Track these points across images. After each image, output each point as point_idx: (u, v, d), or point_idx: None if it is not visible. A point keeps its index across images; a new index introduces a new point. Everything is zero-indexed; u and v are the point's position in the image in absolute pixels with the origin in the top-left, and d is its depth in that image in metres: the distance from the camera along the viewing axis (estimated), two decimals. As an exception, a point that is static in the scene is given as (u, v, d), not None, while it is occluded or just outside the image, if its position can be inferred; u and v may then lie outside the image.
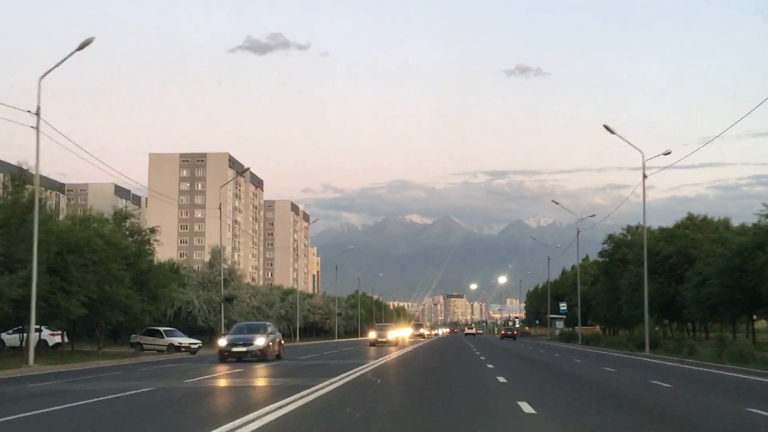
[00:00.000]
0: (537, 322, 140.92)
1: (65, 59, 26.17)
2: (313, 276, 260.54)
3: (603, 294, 66.28)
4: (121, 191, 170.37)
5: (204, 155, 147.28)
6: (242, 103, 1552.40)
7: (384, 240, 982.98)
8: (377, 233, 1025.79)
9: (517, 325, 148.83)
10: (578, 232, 52.61)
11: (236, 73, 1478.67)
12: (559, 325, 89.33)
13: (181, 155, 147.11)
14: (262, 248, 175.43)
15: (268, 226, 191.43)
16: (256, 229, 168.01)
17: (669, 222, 73.81)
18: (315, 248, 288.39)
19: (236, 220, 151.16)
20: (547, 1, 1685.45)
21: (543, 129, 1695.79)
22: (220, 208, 51.36)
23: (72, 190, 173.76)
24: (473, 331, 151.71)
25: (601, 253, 67.94)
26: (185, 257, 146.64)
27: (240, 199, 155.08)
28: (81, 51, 26.10)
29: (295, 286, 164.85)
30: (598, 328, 75.90)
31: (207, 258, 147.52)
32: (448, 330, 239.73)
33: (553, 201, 57.10)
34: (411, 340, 58.47)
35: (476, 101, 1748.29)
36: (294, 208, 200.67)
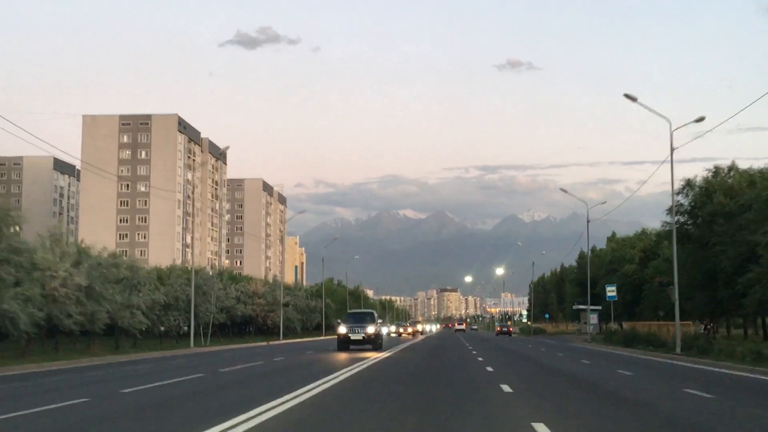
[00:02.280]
0: (547, 316, 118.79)
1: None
2: (296, 267, 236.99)
3: (682, 271, 42.18)
4: (61, 166, 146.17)
5: (148, 117, 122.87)
6: (232, 98, 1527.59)
7: (378, 235, 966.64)
8: (371, 228, 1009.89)
9: (525, 321, 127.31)
10: (673, 149, 29.33)
11: (226, 68, 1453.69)
12: (592, 319, 65.95)
13: (121, 117, 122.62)
14: (224, 231, 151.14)
15: (237, 208, 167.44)
16: (217, 208, 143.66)
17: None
18: (297, 237, 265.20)
19: (189, 196, 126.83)
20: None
21: (535, 124, 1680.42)
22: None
23: (4, 164, 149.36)
24: (463, 326, 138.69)
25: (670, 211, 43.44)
26: (126, 239, 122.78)
27: (194, 171, 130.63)
28: None
29: (266, 277, 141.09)
30: (691, 324, 51.24)
31: (150, 240, 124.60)
32: (441, 326, 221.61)
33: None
34: (345, 357, 25.96)
35: (468, 96, 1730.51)
36: (267, 188, 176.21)
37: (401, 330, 78.74)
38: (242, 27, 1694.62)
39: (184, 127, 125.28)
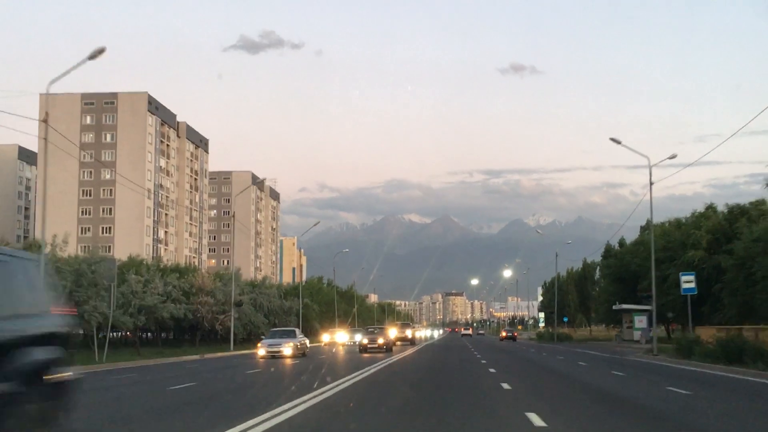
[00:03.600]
0: (566, 319, 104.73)
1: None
2: (293, 269, 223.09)
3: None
4: (27, 155, 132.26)
5: (114, 95, 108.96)
6: (235, 102, 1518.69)
7: (383, 239, 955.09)
8: (376, 232, 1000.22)
9: (541, 325, 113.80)
10: None
11: (229, 73, 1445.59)
12: (641, 322, 51.79)
13: (84, 96, 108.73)
14: (207, 227, 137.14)
15: (224, 203, 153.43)
16: (197, 201, 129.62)
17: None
18: (295, 237, 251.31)
19: (161, 185, 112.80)
20: (541, 0, 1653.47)
21: (538, 127, 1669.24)
22: None
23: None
24: (469, 331, 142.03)
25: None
26: (89, 233, 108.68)
27: (168, 158, 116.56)
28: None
29: (258, 278, 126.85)
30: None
31: (116, 234, 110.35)
32: (447, 329, 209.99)
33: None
34: None
35: (471, 100, 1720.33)
36: (257, 181, 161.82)
37: (365, 342, 40.96)
38: (245, 32, 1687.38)
39: (155, 107, 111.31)
